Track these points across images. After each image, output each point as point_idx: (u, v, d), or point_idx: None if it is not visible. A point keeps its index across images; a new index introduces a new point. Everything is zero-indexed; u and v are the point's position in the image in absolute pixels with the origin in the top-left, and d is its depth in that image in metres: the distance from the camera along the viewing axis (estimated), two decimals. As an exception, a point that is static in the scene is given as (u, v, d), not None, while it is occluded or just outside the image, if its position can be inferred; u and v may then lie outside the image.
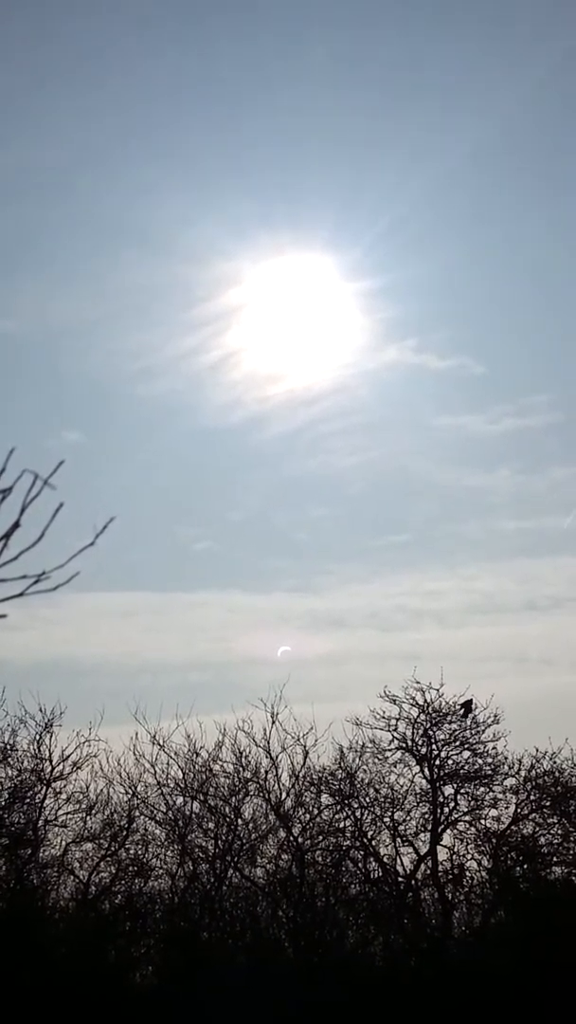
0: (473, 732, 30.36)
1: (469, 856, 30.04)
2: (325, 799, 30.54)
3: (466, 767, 30.27)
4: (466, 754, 30.36)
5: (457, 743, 30.38)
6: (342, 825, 30.43)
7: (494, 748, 30.24)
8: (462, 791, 30.24)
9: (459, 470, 60.71)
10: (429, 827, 29.98)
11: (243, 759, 30.58)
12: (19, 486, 4.52)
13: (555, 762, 30.12)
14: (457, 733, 30.41)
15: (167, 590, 57.57)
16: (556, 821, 30.21)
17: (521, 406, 60.65)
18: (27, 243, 61.68)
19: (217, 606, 55.53)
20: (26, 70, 57.77)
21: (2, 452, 4.49)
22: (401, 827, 30.06)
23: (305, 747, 30.53)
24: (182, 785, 30.58)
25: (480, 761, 30.23)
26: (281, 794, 30.46)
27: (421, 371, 59.04)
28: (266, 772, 30.54)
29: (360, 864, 30.36)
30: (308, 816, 30.49)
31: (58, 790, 29.91)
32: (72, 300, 60.53)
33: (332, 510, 61.72)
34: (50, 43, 57.28)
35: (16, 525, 4.31)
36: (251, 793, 30.58)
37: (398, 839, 30.04)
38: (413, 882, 29.97)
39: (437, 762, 30.24)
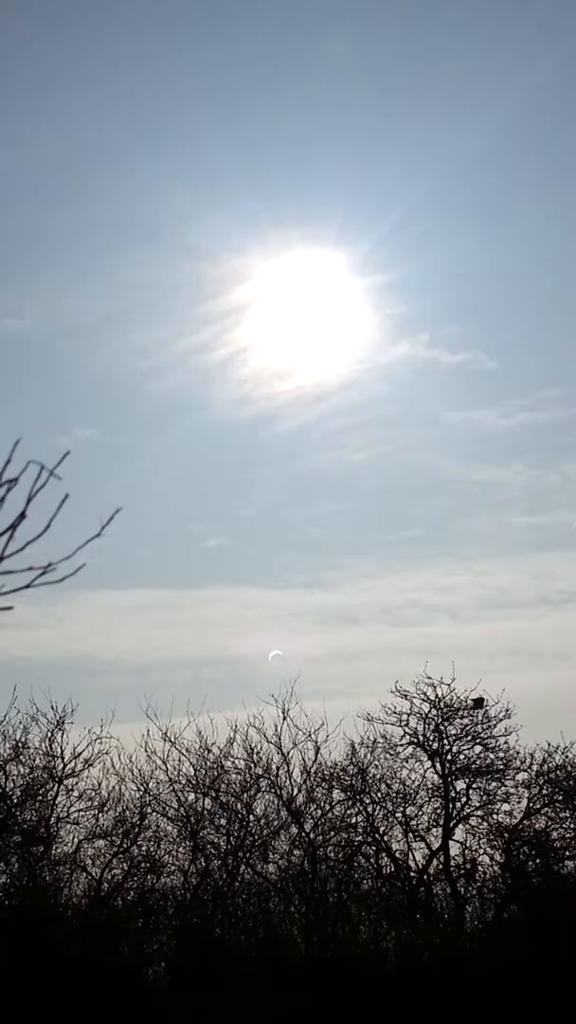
0: (485, 727, 30.34)
1: (481, 851, 30.02)
2: (337, 795, 30.54)
3: (478, 762, 30.24)
4: (478, 749, 30.34)
5: (469, 738, 30.34)
6: (354, 821, 30.42)
7: (506, 743, 30.22)
8: (474, 786, 30.21)
9: (472, 465, 60.68)
10: (441, 822, 29.95)
11: (254, 755, 30.60)
12: (26, 479, 4.51)
13: (567, 756, 30.10)
14: (469, 728, 30.37)
15: (179, 587, 57.70)
16: (569, 815, 30.16)
17: (534, 400, 60.61)
18: (36, 241, 61.81)
19: (229, 602, 55.61)
20: (33, 68, 57.83)
21: (11, 447, 4.48)
22: (413, 822, 30.05)
23: (316, 743, 30.54)
24: (194, 782, 30.58)
25: (492, 756, 30.19)
26: (293, 790, 30.47)
27: (433, 366, 59.00)
28: (277, 768, 30.56)
29: (372, 859, 30.35)
30: (320, 812, 30.48)
31: (70, 787, 29.95)
32: (81, 297, 60.67)
33: (344, 506, 61.75)
34: (57, 41, 57.33)
35: (22, 516, 4.30)
36: (263, 789, 30.58)
37: (410, 834, 30.02)
38: (425, 877, 29.95)
39: (449, 757, 30.20)
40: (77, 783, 30.00)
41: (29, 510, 4.47)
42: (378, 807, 30.18)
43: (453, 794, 30.09)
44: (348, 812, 30.43)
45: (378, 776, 30.31)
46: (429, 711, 30.26)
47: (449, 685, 30.21)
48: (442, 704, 30.26)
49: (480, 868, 30.00)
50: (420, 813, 30.11)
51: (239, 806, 30.43)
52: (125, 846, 30.01)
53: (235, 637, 52.64)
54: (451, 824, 29.87)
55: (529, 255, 63.01)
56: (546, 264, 62.77)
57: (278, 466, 62.66)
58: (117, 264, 61.02)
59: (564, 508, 58.76)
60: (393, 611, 55.97)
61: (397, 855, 30.01)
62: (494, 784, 30.09)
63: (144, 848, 30.21)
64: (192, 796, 30.59)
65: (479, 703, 30.26)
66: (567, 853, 30.44)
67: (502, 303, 63.83)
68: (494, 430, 59.39)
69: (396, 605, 55.83)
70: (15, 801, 29.73)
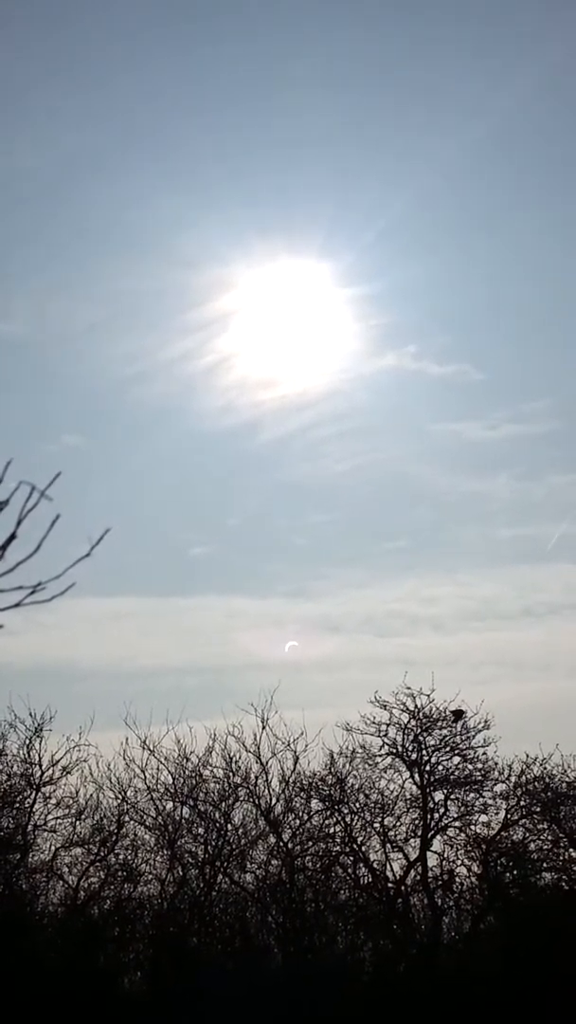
0: (464, 738, 30.36)
1: (459, 862, 30.04)
2: (315, 804, 30.51)
3: (456, 773, 30.26)
4: (456, 760, 30.35)
5: (447, 749, 30.37)
6: (332, 831, 30.39)
7: (484, 754, 30.26)
8: (452, 797, 30.23)
9: (457, 476, 60.75)
10: (419, 833, 29.95)
11: (233, 764, 30.55)
12: (17, 496, 4.49)
13: (545, 768, 30.13)
14: (447, 739, 30.40)
15: (164, 595, 57.54)
16: (546, 827, 30.19)
17: (520, 413, 60.62)
18: (23, 247, 61.70)
19: (214, 611, 55.53)
20: (22, 73, 57.77)
21: (0, 460, 4.47)
22: (391, 833, 30.04)
23: (295, 752, 30.52)
24: (172, 790, 30.53)
25: (470, 767, 30.22)
26: (271, 799, 30.43)
27: (419, 377, 59.06)
28: (256, 777, 30.52)
29: (350, 870, 30.33)
30: (298, 822, 30.45)
31: (48, 795, 29.88)
32: (67, 304, 60.55)
33: (329, 515, 61.72)
34: (46, 46, 57.28)
35: (13, 536, 4.29)
36: (241, 798, 30.53)
37: (388, 845, 30.02)
38: (403, 888, 29.94)
39: (427, 768, 30.22)
40: (55, 790, 29.96)
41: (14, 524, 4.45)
42: (356, 817, 30.18)
43: (431, 805, 30.10)
44: (326, 822, 30.42)
45: (356, 786, 30.32)
46: (408, 722, 30.30)
47: (428, 696, 30.29)
48: (421, 715, 30.30)
49: (457, 879, 30.02)
50: (398, 824, 30.13)
51: (217, 815, 30.39)
52: (102, 854, 29.92)
53: (220, 646, 52.62)
54: (429, 835, 29.88)
55: (517, 266, 63.14)
56: (534, 275, 62.90)
57: (263, 475, 62.67)
58: (103, 271, 61.01)
59: (549, 520, 58.95)
60: (376, 621, 56.02)
61: (375, 865, 30.01)
62: (472, 795, 30.13)
63: (121, 856, 30.15)
64: (170, 805, 30.56)
65: (459, 715, 30.30)
66: (544, 865, 30.47)
67: (490, 315, 63.92)
68: (480, 442, 59.54)
69: (379, 615, 55.89)
70: (-8, 808, 29.61)
